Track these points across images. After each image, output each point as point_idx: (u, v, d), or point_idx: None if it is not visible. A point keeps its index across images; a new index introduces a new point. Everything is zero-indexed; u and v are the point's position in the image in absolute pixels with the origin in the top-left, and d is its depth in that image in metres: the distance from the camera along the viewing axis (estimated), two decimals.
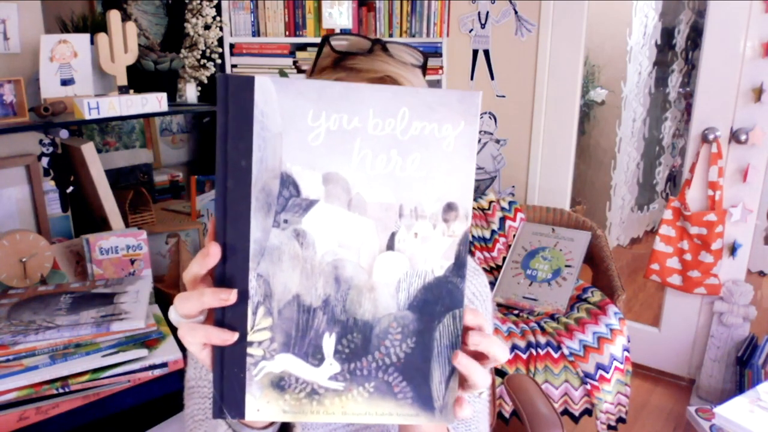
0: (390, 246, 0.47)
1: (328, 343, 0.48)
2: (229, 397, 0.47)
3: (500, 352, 0.49)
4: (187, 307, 0.46)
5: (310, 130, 0.45)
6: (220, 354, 0.47)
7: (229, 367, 0.47)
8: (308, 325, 0.47)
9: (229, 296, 0.45)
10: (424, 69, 0.71)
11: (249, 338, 0.47)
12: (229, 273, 0.46)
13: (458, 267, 0.48)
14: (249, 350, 0.47)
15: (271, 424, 0.63)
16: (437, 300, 0.48)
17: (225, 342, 0.46)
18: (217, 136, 0.45)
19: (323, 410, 0.48)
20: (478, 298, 0.82)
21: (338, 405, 0.48)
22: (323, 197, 0.46)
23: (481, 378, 0.48)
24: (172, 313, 0.49)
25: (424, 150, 0.46)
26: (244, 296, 0.46)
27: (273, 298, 0.47)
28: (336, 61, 0.69)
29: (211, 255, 0.45)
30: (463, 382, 0.50)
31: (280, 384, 0.48)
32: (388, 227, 0.47)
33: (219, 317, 0.47)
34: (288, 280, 0.47)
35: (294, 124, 0.44)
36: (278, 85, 0.44)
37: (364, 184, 0.46)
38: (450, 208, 0.47)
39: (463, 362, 0.47)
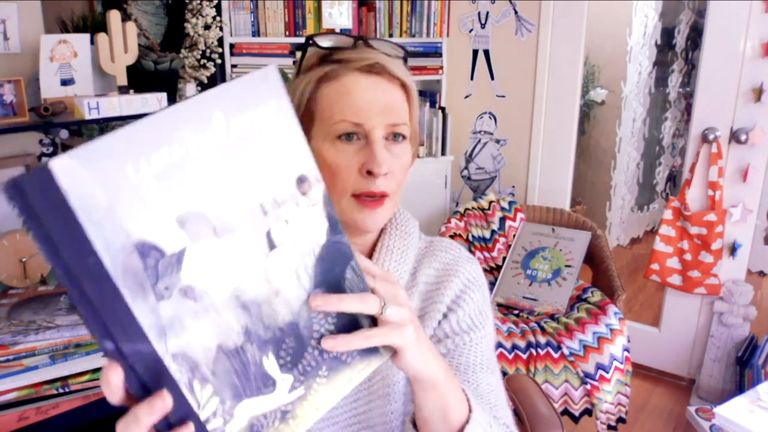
0: (271, 245, 0.46)
1: (271, 364, 0.47)
2: None
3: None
4: None
5: (138, 185, 0.39)
6: None
7: None
8: (245, 363, 0.45)
9: (164, 399, 0.41)
10: (404, 62, 0.75)
11: (202, 417, 0.43)
12: (146, 377, 0.41)
13: (333, 225, 0.49)
14: (209, 427, 0.44)
15: None
16: (333, 264, 0.49)
17: None
18: (43, 251, 0.37)
19: (301, 420, 0.48)
20: (474, 283, 0.80)
21: (309, 407, 0.49)
22: (188, 242, 0.41)
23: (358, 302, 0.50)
24: None
25: (253, 142, 0.44)
26: (173, 384, 0.42)
27: (200, 365, 0.43)
28: (323, 57, 0.72)
29: (112, 383, 0.41)
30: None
31: (254, 431, 0.46)
32: (261, 230, 0.45)
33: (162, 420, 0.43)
34: (203, 339, 0.43)
35: (119, 188, 0.38)
36: (81, 159, 0.37)
37: (217, 204, 0.42)
38: (301, 180, 0.47)
39: (315, 304, 0.48)
